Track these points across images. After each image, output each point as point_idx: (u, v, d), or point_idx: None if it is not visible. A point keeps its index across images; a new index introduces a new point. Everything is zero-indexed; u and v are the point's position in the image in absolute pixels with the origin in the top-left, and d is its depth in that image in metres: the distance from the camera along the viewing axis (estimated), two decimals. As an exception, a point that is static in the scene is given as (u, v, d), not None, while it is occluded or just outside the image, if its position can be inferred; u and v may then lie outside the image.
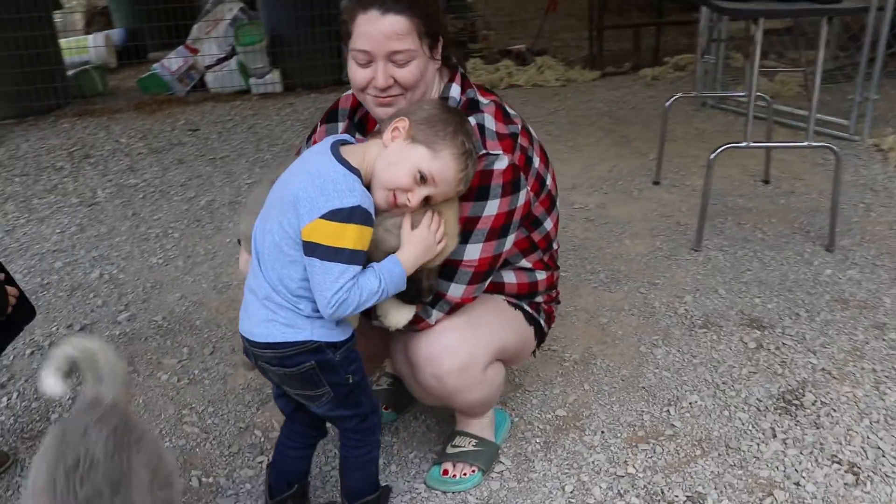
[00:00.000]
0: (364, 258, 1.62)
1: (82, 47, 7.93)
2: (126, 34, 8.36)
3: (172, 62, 6.76)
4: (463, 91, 1.91)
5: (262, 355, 1.71)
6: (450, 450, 2.22)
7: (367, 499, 1.86)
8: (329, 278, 1.58)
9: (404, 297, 1.77)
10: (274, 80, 6.65)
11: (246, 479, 2.23)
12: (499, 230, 1.86)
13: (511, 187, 1.84)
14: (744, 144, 3.31)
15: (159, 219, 4.18)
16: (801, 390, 2.50)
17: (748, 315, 2.94)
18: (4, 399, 2.71)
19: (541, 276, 2.09)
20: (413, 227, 1.69)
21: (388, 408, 2.46)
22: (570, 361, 2.71)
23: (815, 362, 2.64)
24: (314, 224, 1.56)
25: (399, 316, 1.82)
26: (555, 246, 2.13)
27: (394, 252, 1.69)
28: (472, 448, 2.20)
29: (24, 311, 2.14)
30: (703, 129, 5.10)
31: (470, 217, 1.83)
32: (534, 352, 2.25)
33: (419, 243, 1.70)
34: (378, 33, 1.76)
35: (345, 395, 1.75)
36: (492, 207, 1.82)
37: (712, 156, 3.37)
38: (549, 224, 2.04)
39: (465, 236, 1.83)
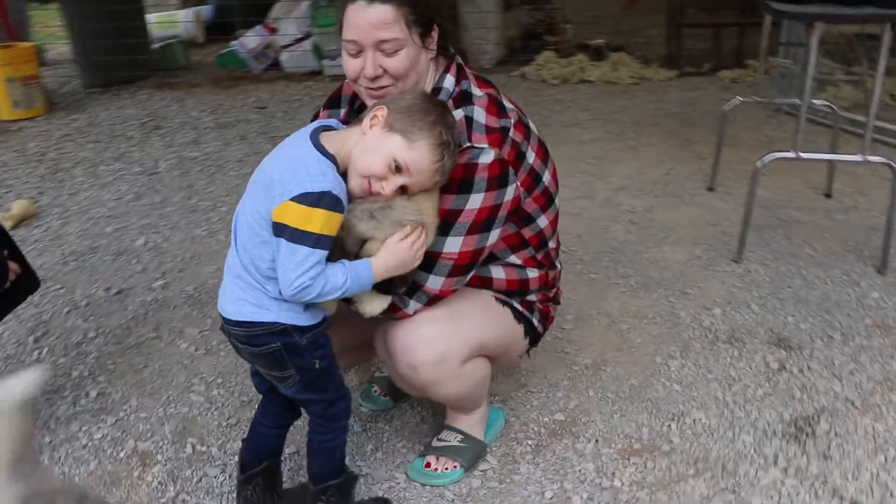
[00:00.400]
0: (331, 243, 1.63)
1: (173, 22, 8.22)
2: (216, 11, 8.61)
3: (250, 40, 6.93)
4: (458, 82, 1.88)
5: (234, 332, 1.73)
6: (435, 443, 2.21)
7: (329, 483, 1.86)
8: (294, 260, 1.59)
9: (378, 287, 1.77)
10: (348, 63, 6.72)
11: (236, 451, 2.27)
12: (481, 224, 1.82)
13: (497, 182, 1.80)
14: (792, 155, 3.15)
15: (211, 192, 4.30)
16: (816, 418, 2.37)
17: (777, 334, 2.81)
18: (36, 353, 2.84)
19: (532, 273, 2.05)
20: (399, 238, 1.70)
21: (387, 395, 2.47)
22: (580, 366, 2.66)
23: (839, 390, 2.50)
24: (284, 206, 1.58)
25: (373, 304, 1.81)
26: (551, 244, 2.08)
27: (363, 238, 1.69)
28: (458, 444, 2.18)
29: (28, 282, 2.23)
30: (772, 137, 4.90)
31: (451, 210, 1.80)
32: (527, 351, 2.21)
33: (396, 256, 1.70)
34: (365, 23, 1.75)
35: (310, 379, 1.76)
36: (475, 201, 1.79)
37: (759, 165, 3.23)
38: (543, 221, 2.00)
39: (446, 229, 1.81)
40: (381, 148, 1.66)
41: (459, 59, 1.93)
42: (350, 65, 1.82)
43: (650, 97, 5.95)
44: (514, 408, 2.45)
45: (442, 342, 1.89)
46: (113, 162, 4.86)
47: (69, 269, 3.46)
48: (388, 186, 1.67)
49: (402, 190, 1.70)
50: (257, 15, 7.49)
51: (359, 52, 1.79)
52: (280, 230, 1.60)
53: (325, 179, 1.59)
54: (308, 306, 1.70)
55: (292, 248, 1.59)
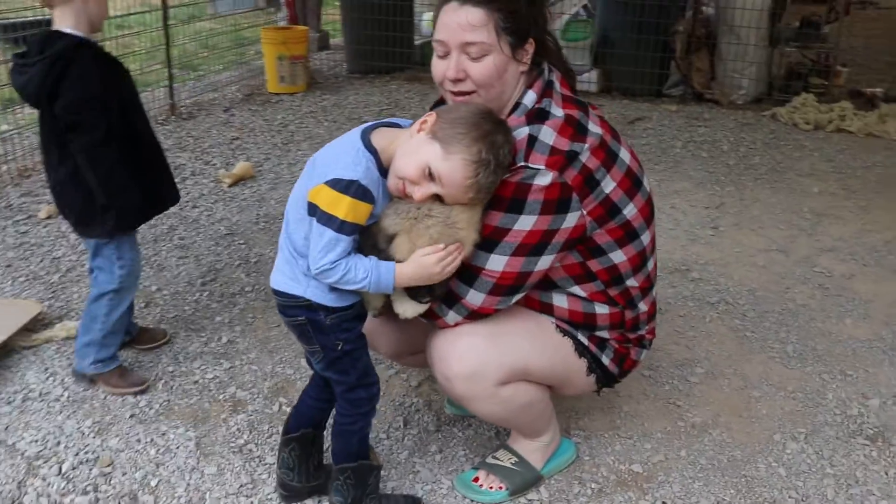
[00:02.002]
0: (356, 231, 1.69)
1: (443, 22, 8.64)
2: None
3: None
4: (539, 99, 1.82)
5: (276, 301, 1.85)
6: (490, 459, 2.18)
7: (344, 465, 1.92)
8: (321, 242, 1.67)
9: (408, 291, 1.80)
10: (591, 80, 6.69)
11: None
12: (530, 247, 1.76)
13: (555, 206, 1.73)
14: None
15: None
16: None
17: (939, 445, 2.40)
18: (198, 294, 3.19)
19: (601, 309, 1.93)
20: (432, 242, 1.71)
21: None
22: (686, 423, 2.46)
23: None
24: (318, 188, 1.67)
25: (404, 307, 1.83)
26: (631, 282, 1.94)
27: (389, 234, 1.71)
28: (510, 465, 2.13)
29: (173, 194, 2.61)
30: None
31: (498, 227, 1.76)
32: (597, 391, 2.09)
33: (421, 269, 1.71)
34: (453, 23, 1.76)
35: (333, 359, 1.84)
36: (525, 222, 1.74)
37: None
38: (618, 257, 1.88)
39: (491, 245, 1.77)
40: (418, 153, 1.67)
41: (551, 77, 1.87)
42: (437, 66, 1.83)
43: (913, 158, 5.26)
44: (594, 447, 2.34)
45: (475, 358, 1.86)
46: (339, 141, 5.27)
47: (257, 229, 3.83)
48: (420, 192, 1.68)
49: (437, 199, 1.70)
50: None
51: (446, 54, 1.80)
52: (312, 210, 1.69)
53: (356, 169, 1.65)
54: (335, 289, 1.76)
55: (320, 230, 1.67)
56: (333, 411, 1.98)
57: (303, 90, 6.55)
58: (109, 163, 2.33)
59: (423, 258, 1.71)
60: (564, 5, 7.34)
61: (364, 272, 1.70)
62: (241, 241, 3.69)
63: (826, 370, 2.76)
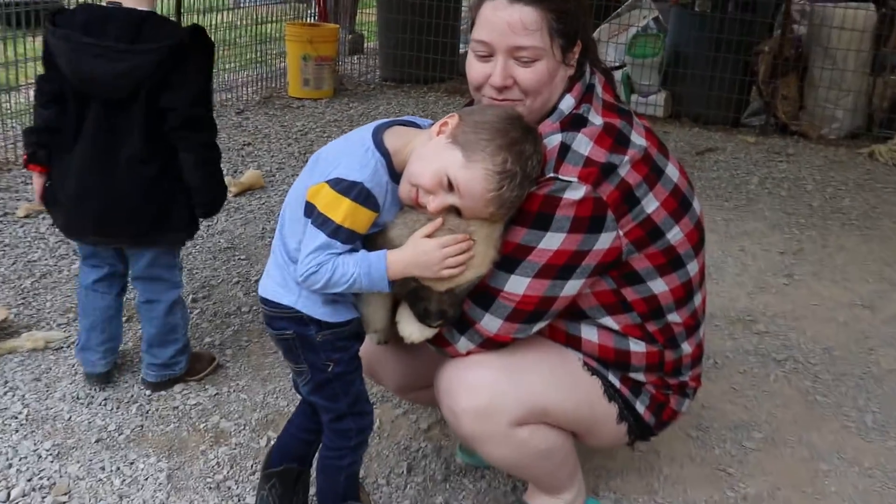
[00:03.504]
0: (354, 238, 1.70)
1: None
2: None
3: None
4: (578, 105, 1.84)
5: (263, 310, 1.88)
6: (502, 516, 2.17)
7: (327, 506, 1.93)
8: (311, 245, 1.70)
9: (414, 311, 1.82)
10: (658, 103, 6.73)
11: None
12: (556, 270, 1.76)
13: (587, 225, 1.74)
14: None
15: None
16: None
17: None
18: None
19: (636, 346, 1.93)
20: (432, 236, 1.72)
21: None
22: (737, 494, 2.43)
23: None
24: (319, 186, 1.70)
25: (411, 327, 1.85)
26: (672, 318, 1.93)
27: (391, 244, 1.73)
28: (523, 525, 2.13)
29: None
30: None
31: (521, 245, 1.76)
32: (630, 444, 2.08)
33: (418, 254, 1.71)
34: (502, 23, 1.76)
35: (321, 381, 1.85)
36: (551, 241, 1.74)
37: None
38: (659, 286, 1.88)
39: (512, 265, 1.78)
40: (437, 159, 1.69)
41: (593, 81, 1.89)
42: (475, 69, 1.84)
43: None
44: (625, 512, 2.33)
45: (488, 393, 1.86)
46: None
47: (262, 244, 3.89)
48: (435, 202, 1.69)
49: (455, 211, 1.71)
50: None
51: (488, 56, 1.81)
52: (309, 210, 1.71)
53: (363, 171, 1.67)
54: (330, 301, 1.79)
55: (314, 233, 1.69)
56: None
57: (328, 96, 6.68)
58: (218, 160, 2.54)
59: (420, 240, 1.70)
60: (632, 17, 7.42)
61: (353, 265, 1.70)
62: (243, 257, 3.75)
63: (912, 445, 2.71)
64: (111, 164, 2.41)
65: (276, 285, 1.83)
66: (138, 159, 2.40)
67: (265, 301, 1.85)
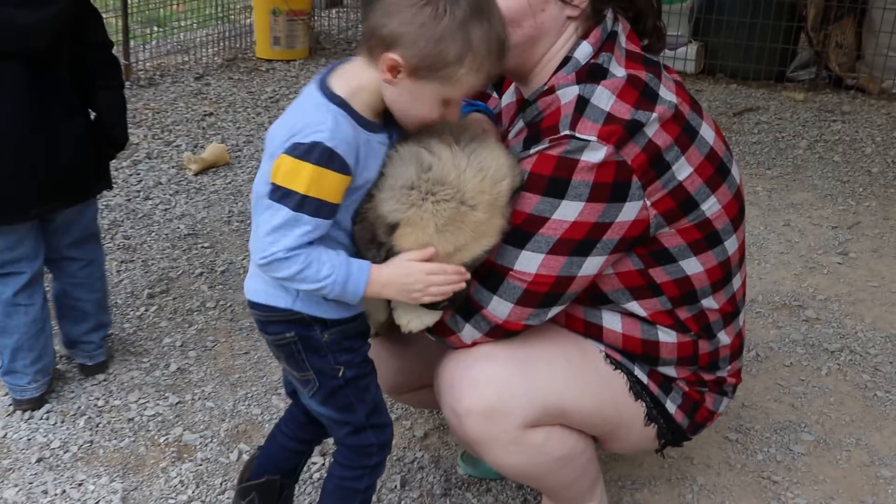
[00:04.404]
0: (324, 211, 1.68)
1: None
2: None
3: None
4: (596, 54, 1.84)
5: (253, 314, 1.89)
6: (511, 535, 2.20)
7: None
8: (272, 222, 1.67)
9: None
10: (689, 57, 6.74)
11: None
12: (574, 245, 1.77)
13: (609, 192, 1.74)
14: None
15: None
16: None
17: None
18: (143, 309, 3.27)
19: (666, 336, 1.95)
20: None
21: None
22: (785, 504, 2.47)
23: None
24: (278, 161, 1.69)
25: (408, 315, 1.86)
26: (707, 303, 1.95)
27: (389, 223, 1.72)
28: (538, 546, 2.16)
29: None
30: None
31: (533, 215, 1.77)
32: (660, 449, 2.11)
33: (400, 275, 1.73)
34: None
35: (332, 389, 1.86)
36: (568, 211, 1.75)
37: None
38: (692, 267, 1.89)
39: (522, 238, 1.78)
40: (421, 97, 1.70)
41: (615, 28, 1.88)
42: None
43: None
44: (656, 531, 2.36)
45: (497, 390, 1.87)
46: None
47: (229, 230, 3.92)
48: (452, 112, 1.75)
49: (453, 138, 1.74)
50: None
51: None
52: (272, 190, 1.69)
53: (319, 128, 1.65)
54: None
55: (274, 209, 1.67)
56: (311, 460, 2.01)
57: (302, 57, 6.70)
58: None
59: (408, 264, 1.72)
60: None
61: (329, 268, 1.69)
62: (206, 245, 3.78)
63: None
64: (45, 124, 2.52)
65: (266, 286, 1.82)
66: (75, 112, 2.62)
67: (255, 305, 1.85)
